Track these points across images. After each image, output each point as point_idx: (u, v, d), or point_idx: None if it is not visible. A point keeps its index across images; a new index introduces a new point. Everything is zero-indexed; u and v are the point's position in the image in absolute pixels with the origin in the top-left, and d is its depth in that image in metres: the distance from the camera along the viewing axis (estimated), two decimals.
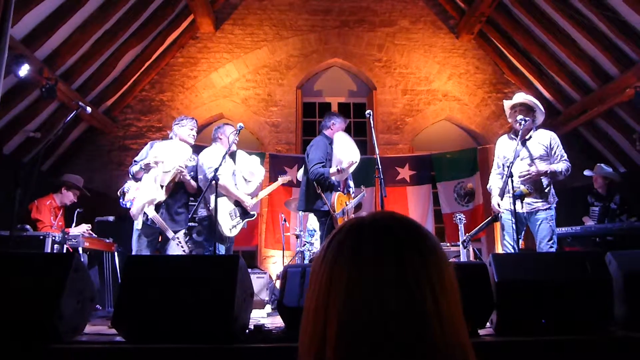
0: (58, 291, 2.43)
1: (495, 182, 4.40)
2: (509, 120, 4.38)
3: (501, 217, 4.25)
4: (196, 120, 4.59)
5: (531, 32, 7.18)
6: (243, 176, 4.61)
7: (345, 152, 4.63)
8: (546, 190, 4.13)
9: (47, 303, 2.39)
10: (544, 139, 4.21)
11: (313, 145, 4.74)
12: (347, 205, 4.73)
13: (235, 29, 8.31)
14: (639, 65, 5.78)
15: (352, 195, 5.08)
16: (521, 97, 4.27)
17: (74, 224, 5.39)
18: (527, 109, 4.20)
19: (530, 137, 4.20)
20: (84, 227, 5.38)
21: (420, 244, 0.73)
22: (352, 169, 4.76)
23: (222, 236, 4.34)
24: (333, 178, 4.62)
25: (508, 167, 3.98)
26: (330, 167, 4.62)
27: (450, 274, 0.74)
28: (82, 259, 4.30)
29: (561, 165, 4.10)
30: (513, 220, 3.99)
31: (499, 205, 4.20)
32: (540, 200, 4.11)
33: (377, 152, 4.12)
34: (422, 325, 0.67)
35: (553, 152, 4.17)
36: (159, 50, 7.72)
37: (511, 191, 3.88)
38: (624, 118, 6.84)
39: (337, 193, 4.63)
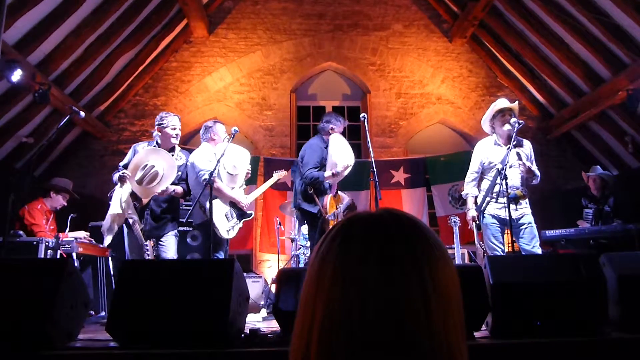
0: (52, 297, 2.41)
1: (472, 191, 4.36)
2: (493, 127, 4.38)
3: (483, 220, 4.23)
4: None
5: (524, 36, 7.22)
6: (227, 171, 4.40)
7: (340, 155, 4.56)
8: (526, 194, 4.27)
9: (40, 309, 2.37)
10: (526, 146, 4.34)
11: (308, 148, 4.68)
12: (337, 208, 4.73)
13: (229, 33, 8.31)
14: (630, 68, 5.82)
15: (342, 198, 5.08)
16: (506, 102, 4.32)
17: (67, 229, 5.34)
18: (513, 113, 4.29)
19: (516, 141, 4.22)
20: (82, 234, 5.33)
21: (414, 243, 0.70)
22: (347, 172, 4.70)
23: (220, 240, 4.30)
24: (327, 182, 4.61)
25: (501, 171, 3.99)
26: (325, 170, 4.55)
27: (450, 277, 0.70)
28: (75, 265, 4.30)
29: (537, 172, 4.24)
30: (497, 223, 4.12)
31: (474, 218, 4.24)
32: (526, 204, 4.22)
33: (372, 156, 4.12)
34: (403, 329, 0.64)
35: (532, 161, 4.32)
36: (153, 55, 7.72)
37: (506, 193, 3.91)
38: (616, 120, 6.89)
39: (329, 196, 4.63)
